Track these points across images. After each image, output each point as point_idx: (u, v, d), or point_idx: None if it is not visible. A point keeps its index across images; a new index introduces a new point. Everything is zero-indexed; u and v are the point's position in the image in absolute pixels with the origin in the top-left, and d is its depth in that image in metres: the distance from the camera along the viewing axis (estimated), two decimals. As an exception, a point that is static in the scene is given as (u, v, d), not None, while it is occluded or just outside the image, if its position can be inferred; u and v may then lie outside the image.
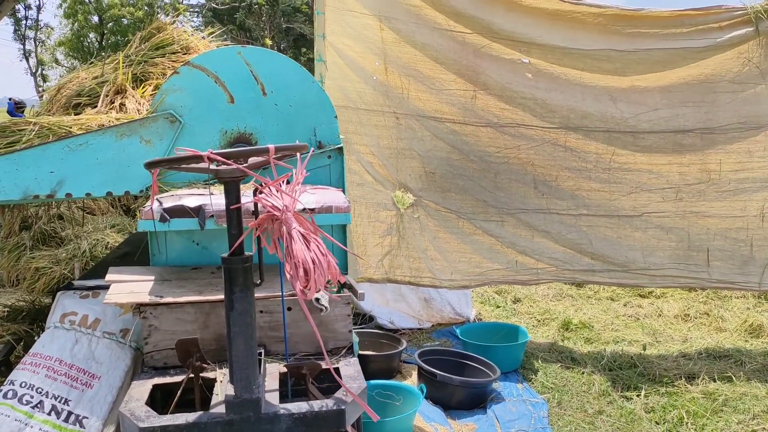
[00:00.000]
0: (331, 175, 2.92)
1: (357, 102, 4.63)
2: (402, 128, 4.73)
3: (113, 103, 3.31)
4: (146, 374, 2.36)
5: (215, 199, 2.48)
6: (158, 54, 3.68)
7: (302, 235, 1.98)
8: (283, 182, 2.04)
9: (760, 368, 4.41)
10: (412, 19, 4.65)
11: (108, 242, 6.04)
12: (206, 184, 2.73)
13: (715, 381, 4.20)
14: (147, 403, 2.11)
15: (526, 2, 4.61)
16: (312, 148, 2.45)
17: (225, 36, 4.53)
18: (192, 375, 2.25)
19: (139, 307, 2.42)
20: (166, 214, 2.48)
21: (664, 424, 3.72)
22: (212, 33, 4.06)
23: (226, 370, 2.31)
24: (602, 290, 6.43)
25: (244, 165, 1.94)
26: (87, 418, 2.45)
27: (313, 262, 1.93)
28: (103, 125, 2.87)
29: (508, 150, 4.74)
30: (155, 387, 2.28)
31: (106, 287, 2.51)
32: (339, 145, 2.91)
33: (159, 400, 2.31)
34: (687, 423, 3.69)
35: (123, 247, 4.13)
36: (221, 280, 2.57)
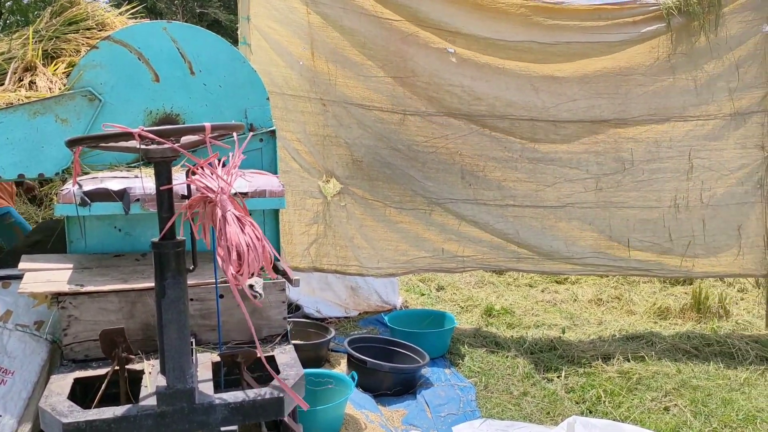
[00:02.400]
0: (263, 159, 2.83)
1: (283, 87, 4.52)
2: (329, 115, 4.66)
3: (22, 81, 3.06)
4: (66, 368, 2.21)
5: (142, 182, 2.35)
6: (71, 30, 3.43)
7: (237, 218, 1.89)
8: (218, 164, 1.95)
9: (669, 348, 4.66)
10: (339, 4, 4.58)
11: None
12: (130, 166, 2.59)
13: (629, 361, 4.41)
14: (69, 398, 1.97)
15: None
16: (249, 132, 2.37)
17: (144, 14, 4.30)
18: (117, 367, 2.12)
19: (57, 297, 2.26)
20: (86, 198, 2.33)
21: (583, 403, 3.87)
22: (130, 9, 3.84)
23: (154, 361, 2.20)
24: (521, 277, 6.63)
25: (177, 144, 1.84)
26: (0, 416, 2.27)
27: (248, 246, 1.85)
28: (12, 103, 2.66)
29: (436, 139, 4.77)
30: (76, 381, 2.14)
31: (19, 277, 2.34)
32: (271, 128, 2.83)
33: (80, 395, 2.17)
34: (604, 401, 3.85)
35: (33, 236, 3.86)
36: (147, 267, 2.46)
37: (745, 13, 4.81)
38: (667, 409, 3.75)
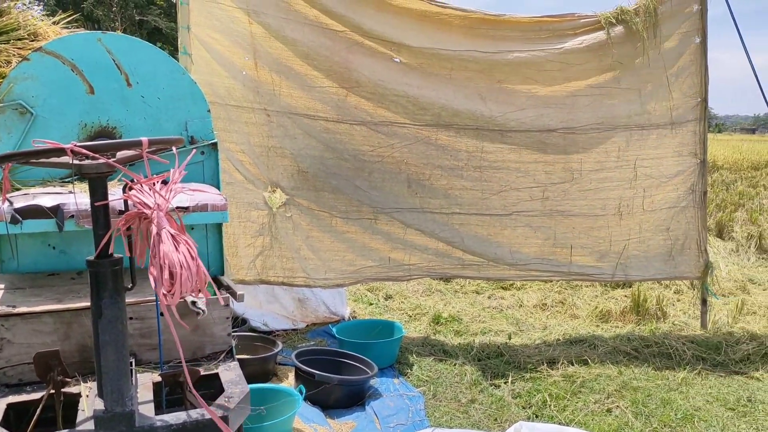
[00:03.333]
0: (205, 172, 2.78)
1: (226, 98, 4.46)
2: (273, 126, 4.62)
3: (-53, 92, 2.94)
4: (-2, 393, 2.11)
5: (76, 197, 2.27)
6: (1, 40, 3.31)
7: (172, 236, 1.84)
8: (157, 180, 1.90)
9: (611, 350, 4.79)
10: (282, 14, 4.55)
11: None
12: (64, 181, 2.50)
13: (573, 364, 4.50)
14: (2, 425, 1.89)
15: (395, 2, 4.68)
16: (190, 144, 2.32)
17: (78, 23, 4.17)
18: (53, 391, 2.04)
19: (-14, 320, 2.15)
20: (17, 215, 2.23)
21: (530, 407, 3.93)
22: (65, 18, 3.73)
23: (92, 384, 2.13)
24: (468, 284, 6.70)
25: (113, 159, 1.78)
26: (-75, 447, 2.14)
27: (181, 265, 1.80)
28: (-64, 116, 2.54)
29: (382, 149, 4.78)
30: (10, 406, 2.04)
31: (-56, 299, 2.22)
32: (213, 141, 2.78)
33: (14, 421, 2.07)
34: (550, 405, 3.92)
35: (-40, 255, 3.68)
36: (83, 286, 2.38)
37: (679, 25, 5.00)
38: (609, 410, 3.84)
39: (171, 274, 1.73)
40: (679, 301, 6.20)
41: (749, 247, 8.61)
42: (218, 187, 2.77)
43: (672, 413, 3.78)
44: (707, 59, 5.04)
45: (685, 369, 4.45)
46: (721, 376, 4.38)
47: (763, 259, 8.30)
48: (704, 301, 5.31)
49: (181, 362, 2.33)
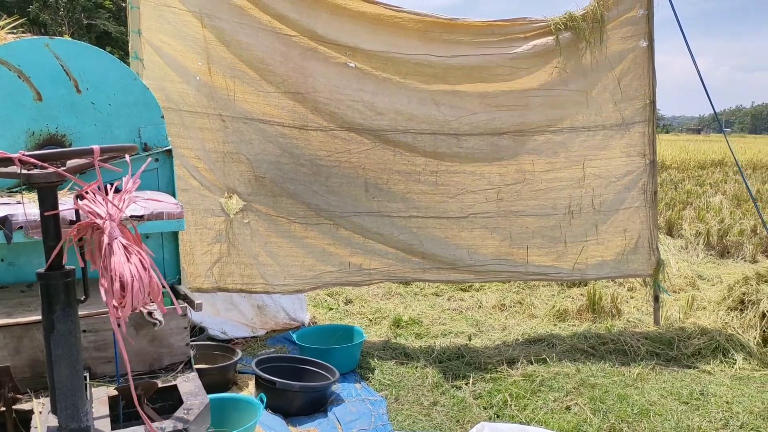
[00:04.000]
0: (160, 179, 2.72)
1: (179, 103, 4.39)
2: (229, 131, 4.56)
3: None
4: (-57, 413, 2.02)
5: (24, 208, 2.20)
6: (-59, 45, 3.19)
7: (124, 246, 1.79)
8: (110, 189, 1.85)
9: (569, 349, 4.87)
10: (236, 18, 4.50)
11: None
12: (11, 191, 2.41)
13: (532, 364, 4.57)
14: (-53, 447, 1.81)
15: (349, 6, 4.68)
16: (149, 153, 2.27)
17: (24, 28, 4.05)
18: (4, 408, 1.96)
19: (-70, 337, 2.06)
20: (-38, 227, 2.15)
21: (491, 408, 3.96)
22: (10, 23, 3.61)
23: (44, 400, 2.06)
24: (428, 287, 6.74)
25: (63, 168, 1.73)
26: None
27: (132, 276, 1.75)
28: None
29: (339, 154, 4.77)
30: (-44, 427, 1.96)
31: None
32: (167, 147, 2.73)
33: (-40, 443, 1.99)
34: (511, 405, 3.97)
35: None
36: (34, 299, 2.30)
37: (625, 29, 5.14)
38: (568, 408, 3.91)
39: (123, 286, 1.69)
40: (632, 298, 6.35)
41: (698, 244, 8.89)
42: (173, 195, 2.72)
43: (628, 408, 3.87)
44: (654, 62, 5.19)
45: (639, 365, 4.56)
46: (675, 371, 4.50)
47: (710, 255, 8.58)
48: (656, 298, 5.45)
49: (138, 375, 2.28)
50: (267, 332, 5.22)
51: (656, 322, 5.44)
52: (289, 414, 3.76)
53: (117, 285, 1.70)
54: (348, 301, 6.27)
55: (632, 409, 3.86)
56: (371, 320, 5.74)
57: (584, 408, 3.88)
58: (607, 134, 5.18)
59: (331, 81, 4.70)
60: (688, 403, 3.98)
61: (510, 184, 5.07)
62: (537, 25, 5.01)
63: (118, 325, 1.97)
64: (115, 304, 1.70)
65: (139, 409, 1.91)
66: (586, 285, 6.48)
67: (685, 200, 12.85)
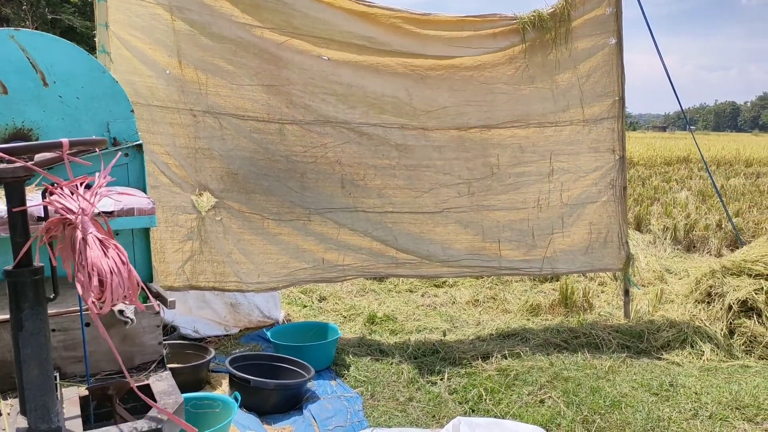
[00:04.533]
0: (130, 175, 2.67)
1: (148, 98, 4.31)
2: (200, 126, 4.49)
3: None
4: None
5: (-10, 204, 2.13)
6: None
7: (99, 240, 1.75)
8: (80, 183, 1.80)
9: (542, 343, 4.92)
10: (207, 11, 4.43)
11: None
12: (-24, 187, 2.34)
13: (506, 358, 4.60)
14: None
15: (325, 0, 4.66)
16: (113, 146, 2.22)
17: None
18: (-31, 411, 1.90)
19: None
20: (-77, 224, 2.07)
21: (466, 403, 3.97)
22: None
23: (13, 401, 2.01)
24: (401, 283, 6.74)
25: (31, 163, 1.68)
26: None
27: (111, 270, 1.71)
28: None
29: (315, 149, 4.74)
30: None
31: None
32: (137, 142, 2.67)
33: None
34: (486, 399, 3.98)
35: None
36: (1, 297, 2.23)
37: (593, 27, 5.20)
38: (542, 401, 3.94)
39: (100, 281, 1.65)
40: (603, 292, 6.44)
41: (665, 239, 9.05)
42: (144, 191, 2.66)
43: (601, 400, 3.92)
44: (623, 59, 5.25)
45: (611, 358, 4.62)
46: (645, 363, 4.57)
47: (677, 250, 8.74)
48: (626, 292, 5.53)
49: (109, 374, 2.24)
50: (240, 330, 5.17)
51: (626, 315, 5.52)
52: (264, 412, 3.72)
53: (95, 280, 1.66)
54: (322, 299, 6.24)
55: (604, 401, 3.91)
56: (345, 317, 5.72)
57: (558, 401, 3.92)
58: (574, 130, 5.24)
59: (305, 74, 4.66)
60: (658, 395, 4.04)
61: (479, 179, 5.09)
62: (506, 22, 5.05)
63: (87, 324, 1.92)
64: (94, 299, 1.65)
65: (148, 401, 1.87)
66: (558, 280, 6.55)
67: (653, 196, 13.08)
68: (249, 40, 4.53)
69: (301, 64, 4.65)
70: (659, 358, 4.68)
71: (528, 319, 5.65)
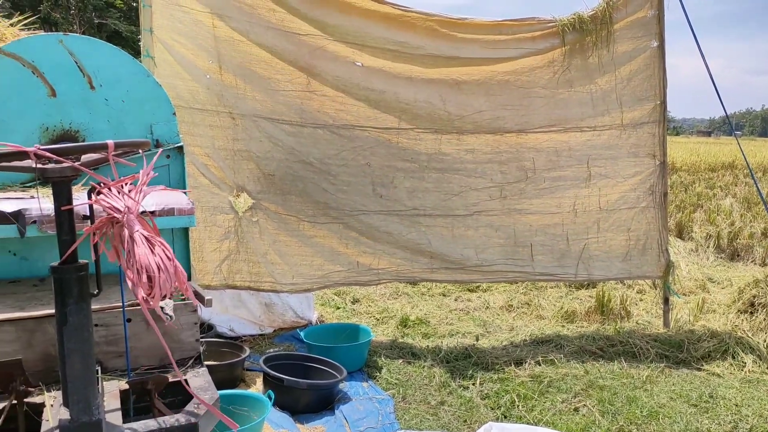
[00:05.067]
0: (171, 176, 2.74)
1: (190, 101, 4.41)
2: (238, 129, 4.58)
3: None
4: (-44, 405, 2.04)
5: (38, 202, 2.21)
6: (-44, 41, 3.22)
7: (146, 238, 1.82)
8: (126, 183, 1.86)
9: (577, 350, 4.86)
10: (246, 17, 4.53)
11: None
12: (25, 186, 2.43)
13: (540, 364, 4.56)
14: (-40, 439, 1.82)
15: (358, 5, 4.70)
16: (161, 149, 2.28)
17: (36, 26, 4.08)
18: (15, 401, 1.98)
19: (-56, 329, 2.08)
20: (-24, 221, 2.16)
21: (498, 408, 3.96)
22: (22, 21, 3.64)
23: (56, 393, 2.07)
24: (435, 287, 6.74)
25: (78, 163, 1.74)
26: None
27: (158, 267, 1.78)
28: None
29: (346, 152, 4.79)
30: (-31, 419, 1.97)
31: None
32: (179, 144, 2.74)
33: (-27, 435, 2.01)
34: (518, 405, 3.96)
35: None
36: (46, 293, 2.32)
37: (634, 29, 5.13)
38: (576, 409, 3.90)
39: (148, 277, 1.71)
40: (642, 300, 6.33)
41: (708, 247, 8.85)
42: (185, 192, 2.73)
43: (637, 411, 3.85)
44: (665, 63, 5.17)
45: (649, 367, 4.54)
46: (684, 373, 4.48)
47: (721, 258, 8.54)
48: (666, 300, 5.43)
49: (149, 369, 2.30)
50: (275, 330, 5.24)
51: (666, 324, 5.42)
52: (296, 411, 3.77)
53: (144, 277, 1.72)
54: (355, 301, 6.28)
55: (641, 412, 3.85)
56: (378, 319, 5.75)
57: (593, 410, 3.87)
58: (613, 134, 5.18)
59: (338, 79, 4.72)
60: (697, 406, 3.96)
61: (513, 182, 5.07)
62: (545, 25, 5.02)
63: (129, 320, 1.98)
64: (144, 295, 1.71)
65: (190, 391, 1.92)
66: (594, 287, 6.46)
67: (696, 203, 12.79)
68: (285, 47, 4.61)
69: (334, 71, 4.71)
70: (699, 369, 4.58)
71: (563, 326, 5.58)
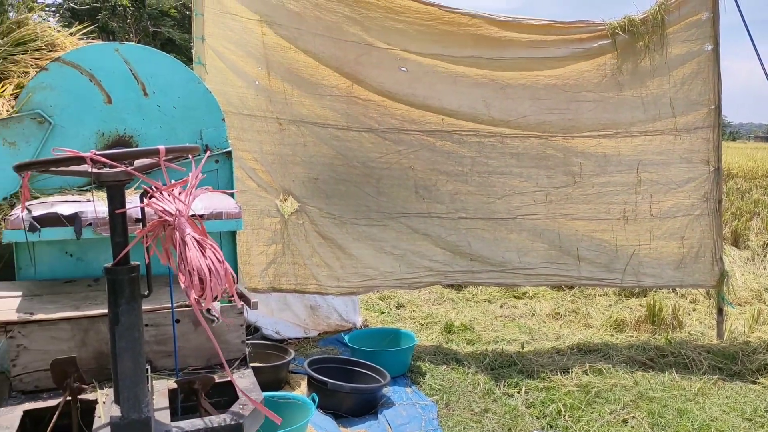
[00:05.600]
0: (219, 180, 2.80)
1: (239, 107, 4.50)
2: (285, 134, 4.65)
3: (-33, 102, 2.98)
4: (15, 399, 2.12)
5: (93, 205, 2.29)
6: (19, 50, 3.35)
7: (197, 241, 1.86)
8: (177, 186, 1.92)
9: (626, 360, 4.75)
10: (294, 24, 4.60)
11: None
12: (81, 189, 2.52)
13: (587, 374, 4.47)
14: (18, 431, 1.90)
15: (403, 8, 4.72)
16: (210, 152, 2.33)
17: (96, 35, 4.23)
18: (69, 398, 2.05)
19: (5, 326, 2.17)
20: (36, 223, 2.26)
21: (544, 418, 3.90)
22: (81, 30, 3.77)
23: (108, 390, 2.14)
24: (480, 293, 6.69)
25: (131, 168, 1.80)
26: (-57, 453, 2.16)
27: (209, 269, 1.82)
28: (-44, 126, 2.58)
29: (390, 155, 4.82)
30: (26, 413, 2.05)
31: (-37, 306, 2.24)
32: (227, 149, 2.80)
33: (30, 428, 2.08)
34: (565, 415, 3.89)
35: (-22, 262, 3.72)
36: (100, 293, 2.39)
37: (689, 32, 5.00)
38: (625, 421, 3.81)
39: (200, 279, 1.75)
40: (695, 310, 6.14)
41: (765, 256, 8.52)
42: (232, 196, 2.78)
43: (689, 424, 3.74)
44: (720, 66, 5.02)
45: (701, 379, 4.40)
46: (738, 386, 4.33)
47: (779, 268, 8.20)
48: (720, 311, 5.26)
49: (195, 370, 2.35)
50: (319, 333, 5.28)
51: (719, 335, 5.24)
52: (340, 415, 3.79)
53: (196, 279, 1.76)
54: (399, 306, 6.28)
55: (692, 425, 3.73)
56: (422, 325, 5.73)
57: (642, 422, 3.77)
58: (665, 139, 5.06)
59: (383, 84, 4.76)
60: (751, 420, 3.82)
61: (559, 187, 5.00)
62: (594, 28, 4.94)
63: (178, 321, 2.03)
64: (196, 297, 1.76)
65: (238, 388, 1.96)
66: (645, 295, 6.30)
67: (753, 210, 12.32)
68: (331, 53, 4.67)
69: (378, 77, 4.76)
70: (754, 382, 4.42)
71: (611, 335, 5.46)
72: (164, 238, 1.88)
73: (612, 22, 4.95)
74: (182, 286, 1.78)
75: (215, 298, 1.83)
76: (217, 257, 1.83)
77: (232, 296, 1.89)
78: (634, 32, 4.91)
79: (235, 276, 1.89)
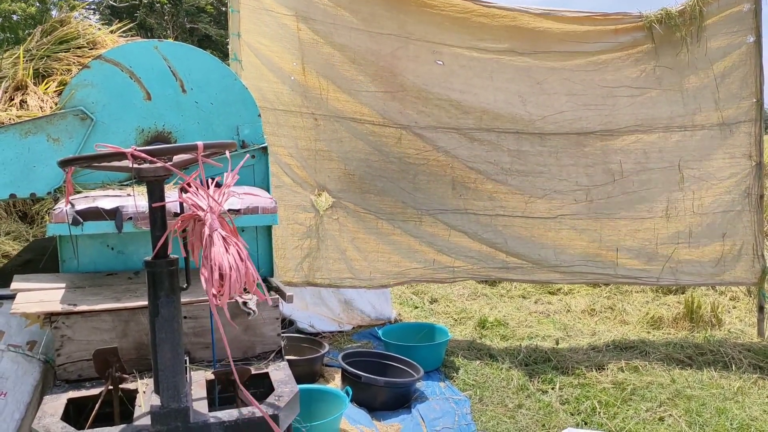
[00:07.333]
0: (255, 176, 2.84)
1: (274, 102, 4.54)
2: (320, 129, 4.68)
3: (13, 100, 3.07)
4: (59, 388, 2.20)
5: (134, 200, 2.35)
6: (62, 48, 3.45)
7: (223, 238, 1.89)
8: (211, 183, 1.95)
9: (663, 357, 4.67)
10: (330, 20, 4.62)
11: (4, 250, 5.62)
12: (122, 184, 2.59)
13: (623, 371, 4.42)
14: (62, 419, 1.96)
15: (437, 2, 4.71)
16: (241, 148, 2.37)
17: (134, 31, 4.32)
18: (111, 387, 2.11)
19: (49, 317, 2.25)
20: (79, 217, 2.32)
21: (578, 414, 3.86)
22: (121, 28, 3.85)
23: (148, 380, 2.20)
24: (514, 289, 6.65)
25: (170, 163, 1.84)
26: (-8, 438, 2.25)
27: (230, 267, 1.84)
28: (3, 123, 2.66)
29: (427, 152, 4.81)
30: (70, 401, 2.12)
31: (11, 297, 2.32)
32: (263, 145, 2.84)
33: (73, 416, 2.15)
34: (599, 412, 3.85)
35: (24, 255, 3.84)
36: (140, 285, 2.45)
37: (729, 24, 4.89)
38: (662, 419, 3.75)
39: (220, 275, 1.78)
40: (734, 308, 6.00)
41: (809, 253, 8.28)
42: (268, 191, 2.82)
43: (727, 423, 3.67)
44: (762, 59, 4.90)
45: (741, 378, 4.31)
46: (780, 386, 4.23)
47: (824, 265, 7.96)
48: (761, 308, 5.13)
49: (233, 361, 2.39)
50: (353, 327, 5.32)
51: (760, 333, 5.12)
52: (373, 408, 3.81)
53: (216, 274, 1.79)
54: (433, 300, 6.28)
55: (731, 424, 3.66)
56: (456, 320, 5.73)
57: (679, 420, 3.71)
58: (706, 134, 4.95)
59: (419, 79, 4.75)
60: (794, 421, 3.73)
61: (599, 185, 4.94)
62: (630, 20, 4.87)
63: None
64: (214, 292, 1.79)
65: (243, 390, 2.00)
66: (683, 292, 6.19)
67: (796, 206, 11.99)
68: (367, 49, 4.68)
69: (415, 71, 4.74)
70: (797, 382, 4.31)
71: (648, 332, 5.38)
72: (193, 232, 1.91)
73: (649, 14, 4.87)
74: (202, 280, 1.80)
75: (232, 298, 1.85)
76: (240, 255, 1.85)
77: (252, 293, 1.91)
78: (671, 25, 4.83)
79: (257, 275, 1.91)
